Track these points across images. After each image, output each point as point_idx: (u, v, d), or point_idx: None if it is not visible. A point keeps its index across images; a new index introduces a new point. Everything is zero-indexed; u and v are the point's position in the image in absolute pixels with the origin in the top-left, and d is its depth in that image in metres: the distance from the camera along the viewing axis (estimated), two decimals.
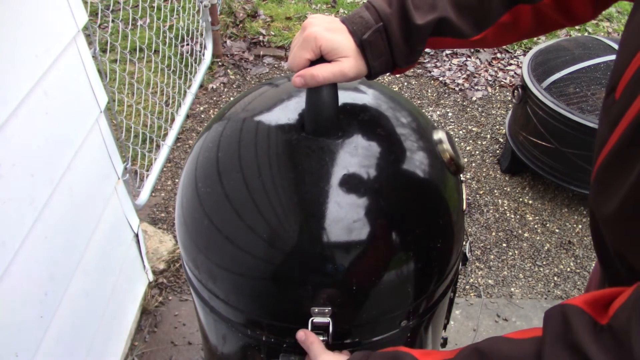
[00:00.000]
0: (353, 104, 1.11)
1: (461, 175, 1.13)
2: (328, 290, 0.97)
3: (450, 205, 1.10)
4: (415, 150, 1.09)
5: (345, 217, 0.94)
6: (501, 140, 3.52)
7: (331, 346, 1.21)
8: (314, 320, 1.03)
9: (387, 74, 0.95)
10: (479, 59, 4.23)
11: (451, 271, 1.37)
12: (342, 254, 0.95)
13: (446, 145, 1.07)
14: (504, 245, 2.88)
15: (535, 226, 2.99)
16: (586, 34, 4.56)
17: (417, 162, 1.06)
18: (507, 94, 3.92)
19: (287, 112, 1.07)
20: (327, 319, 1.04)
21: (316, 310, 0.99)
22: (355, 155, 0.99)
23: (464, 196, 1.14)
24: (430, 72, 4.10)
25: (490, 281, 2.69)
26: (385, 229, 0.97)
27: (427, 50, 4.34)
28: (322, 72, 0.89)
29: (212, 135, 1.13)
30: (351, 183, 0.96)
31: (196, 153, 1.14)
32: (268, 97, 1.16)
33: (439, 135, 1.09)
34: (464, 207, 1.13)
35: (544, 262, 2.79)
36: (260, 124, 1.08)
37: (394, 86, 3.97)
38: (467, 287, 2.67)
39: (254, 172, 0.99)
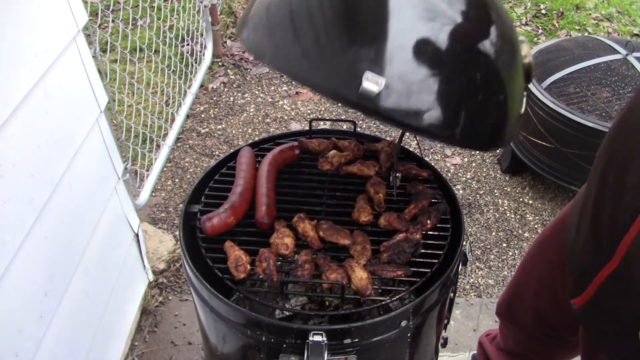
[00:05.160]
0: None
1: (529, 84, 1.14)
2: None
3: (511, 93, 1.08)
4: (502, 42, 1.05)
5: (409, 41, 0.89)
6: None
7: (330, 346, 1.22)
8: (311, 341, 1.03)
9: None
10: None
11: (452, 269, 1.37)
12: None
13: (529, 56, 1.08)
14: (504, 245, 2.88)
15: (536, 226, 2.99)
16: (586, 34, 4.56)
17: (499, 50, 1.03)
18: None
19: None
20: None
21: None
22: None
23: (524, 102, 1.12)
24: None
25: (490, 281, 2.69)
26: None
27: None
28: None
29: None
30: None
31: None
32: None
33: (524, 46, 1.11)
34: (522, 110, 1.12)
35: None
36: None
37: None
38: (467, 287, 2.67)
39: None
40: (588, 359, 1.33)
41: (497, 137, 1.04)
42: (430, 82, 0.90)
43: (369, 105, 0.85)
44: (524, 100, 1.12)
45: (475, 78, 0.94)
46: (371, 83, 0.84)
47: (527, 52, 1.10)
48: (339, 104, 0.91)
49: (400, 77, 0.87)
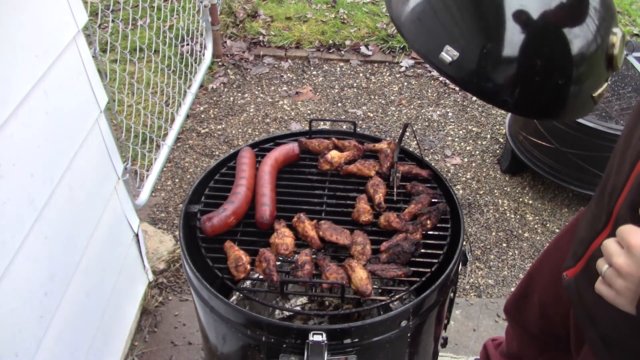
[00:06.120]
0: None
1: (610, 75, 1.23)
2: None
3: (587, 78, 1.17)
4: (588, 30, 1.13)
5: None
6: (501, 140, 3.52)
7: (330, 346, 1.22)
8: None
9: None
10: None
11: (452, 270, 1.37)
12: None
13: (617, 46, 1.16)
14: (504, 245, 2.88)
15: (536, 226, 2.99)
16: None
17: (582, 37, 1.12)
18: None
19: None
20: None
21: None
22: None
23: (602, 87, 1.21)
24: (430, 72, 4.10)
25: (490, 281, 2.69)
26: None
27: None
28: None
29: None
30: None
31: None
32: None
33: (614, 38, 1.16)
34: (597, 92, 1.19)
35: None
36: None
37: (394, 86, 3.97)
38: (467, 287, 2.67)
39: None
40: (577, 350, 1.33)
41: (554, 111, 1.24)
42: (496, 66, 1.13)
43: (442, 68, 1.14)
44: (604, 85, 1.22)
45: (535, 63, 1.13)
46: (447, 55, 1.13)
47: (616, 43, 1.16)
48: (424, 61, 1.24)
49: (470, 57, 1.13)
